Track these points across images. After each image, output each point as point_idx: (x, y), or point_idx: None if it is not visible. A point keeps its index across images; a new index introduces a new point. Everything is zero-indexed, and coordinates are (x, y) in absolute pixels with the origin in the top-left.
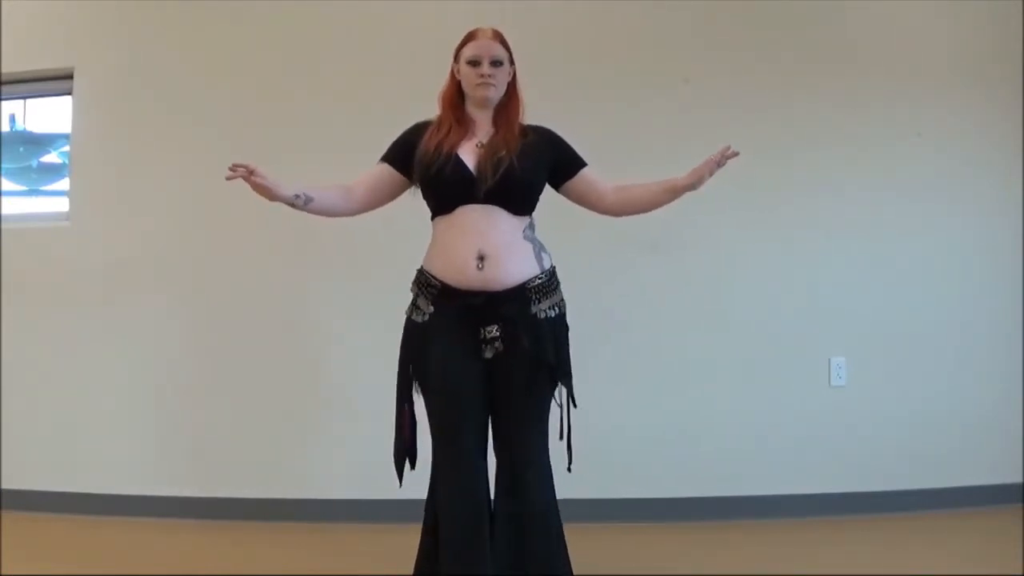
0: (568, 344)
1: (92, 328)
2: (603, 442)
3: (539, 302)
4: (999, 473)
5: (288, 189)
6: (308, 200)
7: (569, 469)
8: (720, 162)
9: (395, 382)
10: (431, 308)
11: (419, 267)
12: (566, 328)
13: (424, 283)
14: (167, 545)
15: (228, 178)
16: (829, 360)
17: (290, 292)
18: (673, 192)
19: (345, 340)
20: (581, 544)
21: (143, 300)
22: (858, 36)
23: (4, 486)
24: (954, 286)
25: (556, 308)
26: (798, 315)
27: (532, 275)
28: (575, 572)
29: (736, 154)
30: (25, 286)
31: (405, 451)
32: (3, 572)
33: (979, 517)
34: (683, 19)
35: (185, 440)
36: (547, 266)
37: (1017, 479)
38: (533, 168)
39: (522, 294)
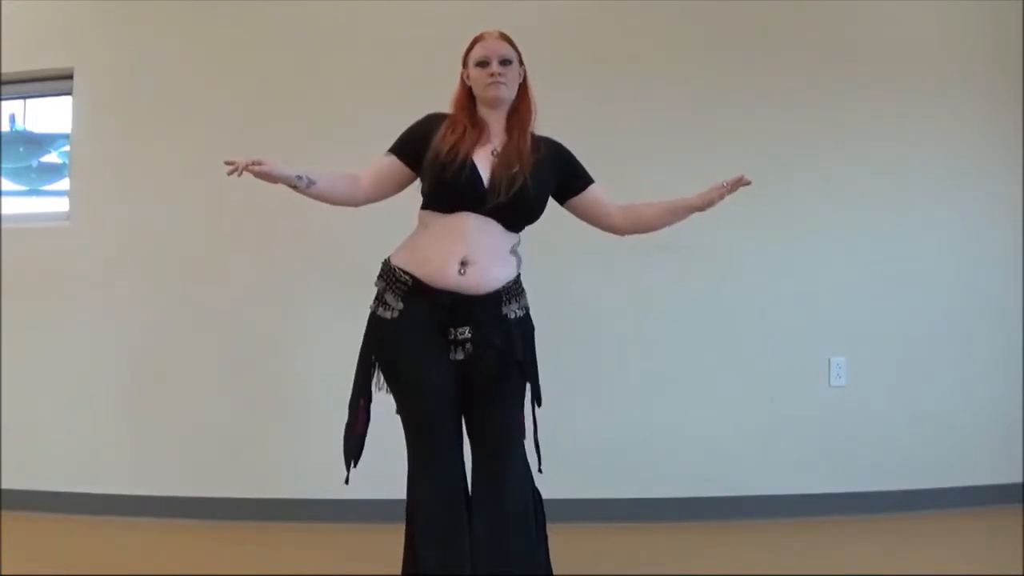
0: (534, 343)
1: (92, 328)
2: (602, 442)
3: (509, 303)
4: (999, 473)
5: (290, 169)
6: (311, 183)
7: (540, 470)
8: (732, 188)
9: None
10: (400, 304)
11: (386, 260)
12: (532, 327)
13: (392, 278)
14: (166, 545)
15: (229, 173)
16: (829, 360)
17: (290, 291)
18: (683, 212)
19: (345, 340)
20: (580, 544)
21: (143, 300)
22: (858, 36)
23: (4, 486)
24: (954, 286)
25: (523, 309)
26: (798, 315)
27: (507, 280)
28: (576, 572)
29: (749, 183)
30: (25, 286)
31: (357, 447)
32: (3, 572)
33: (979, 517)
34: (684, 19)
35: (184, 440)
36: (519, 271)
37: (1017, 479)
38: (543, 190)
39: (496, 296)
